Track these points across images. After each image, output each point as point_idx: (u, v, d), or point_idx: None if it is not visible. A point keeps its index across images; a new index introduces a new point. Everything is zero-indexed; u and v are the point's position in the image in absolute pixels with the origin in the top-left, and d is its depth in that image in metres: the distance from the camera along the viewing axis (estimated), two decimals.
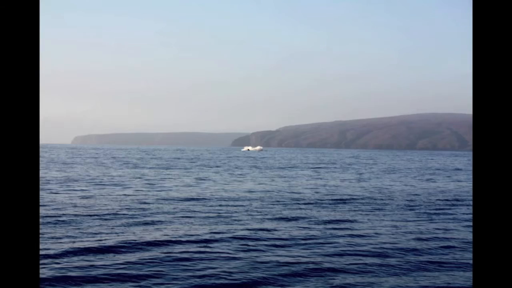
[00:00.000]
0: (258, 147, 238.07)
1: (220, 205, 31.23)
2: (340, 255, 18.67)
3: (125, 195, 35.96)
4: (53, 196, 34.16)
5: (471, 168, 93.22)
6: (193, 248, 19.11)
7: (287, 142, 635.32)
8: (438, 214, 29.44)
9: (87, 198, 33.57)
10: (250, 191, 40.69)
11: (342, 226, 24.63)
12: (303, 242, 20.73)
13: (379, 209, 30.85)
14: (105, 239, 20.14)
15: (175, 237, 20.88)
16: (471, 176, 66.65)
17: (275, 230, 23.07)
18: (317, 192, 40.92)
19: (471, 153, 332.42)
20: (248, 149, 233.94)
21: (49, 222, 23.39)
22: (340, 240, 21.11)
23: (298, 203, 33.07)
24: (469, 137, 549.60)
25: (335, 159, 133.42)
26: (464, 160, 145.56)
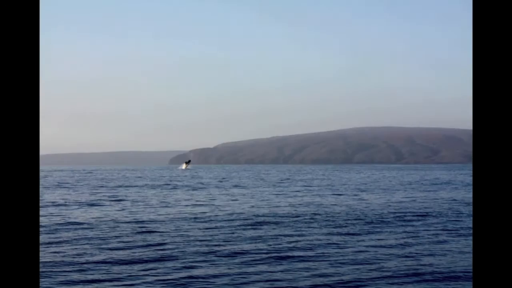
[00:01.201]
0: (184, 165, 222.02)
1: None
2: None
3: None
4: None
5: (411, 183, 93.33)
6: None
7: (226, 159, 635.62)
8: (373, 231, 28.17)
9: None
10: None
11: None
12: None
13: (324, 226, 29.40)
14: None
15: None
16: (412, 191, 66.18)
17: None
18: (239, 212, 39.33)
19: (406, 165, 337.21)
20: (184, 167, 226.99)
21: None
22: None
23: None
24: (405, 149, 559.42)
25: (271, 174, 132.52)
26: (401, 174, 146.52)
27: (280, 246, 23.95)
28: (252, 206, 44.19)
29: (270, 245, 24.24)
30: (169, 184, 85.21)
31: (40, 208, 40.89)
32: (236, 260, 20.86)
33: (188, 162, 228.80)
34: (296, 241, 25.20)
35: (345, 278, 17.96)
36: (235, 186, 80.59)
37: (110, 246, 24.11)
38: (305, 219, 34.36)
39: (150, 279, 17.96)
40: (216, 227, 30.38)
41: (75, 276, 18.31)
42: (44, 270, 19.06)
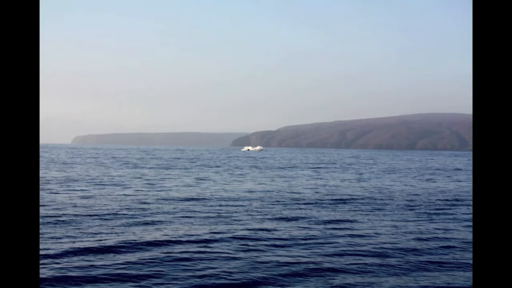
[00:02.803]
0: (258, 147, 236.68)
1: (220, 205, 31.21)
2: (340, 255, 18.65)
3: (125, 195, 35.95)
4: (53, 196, 34.13)
5: (471, 168, 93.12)
6: (193, 248, 19.12)
7: (287, 142, 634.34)
8: (438, 214, 29.41)
9: (87, 198, 33.53)
10: (250, 191, 40.66)
11: (342, 226, 24.63)
12: (303, 242, 20.72)
13: (379, 209, 30.82)
14: (105, 239, 20.12)
15: (175, 237, 20.90)
16: (471, 176, 66.57)
17: (275, 230, 23.07)
18: (317, 192, 40.90)
19: (471, 153, 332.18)
20: (248, 149, 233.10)
21: (49, 222, 23.38)
22: (340, 240, 21.11)
23: (298, 203, 33.04)
24: (469, 137, 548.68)
25: (335, 159, 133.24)
26: (464, 160, 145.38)
27: (318, 227, 25.42)
28: (319, 187, 45.67)
29: (305, 225, 25.75)
30: (236, 166, 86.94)
31: (112, 182, 43.06)
32: (284, 240, 22.41)
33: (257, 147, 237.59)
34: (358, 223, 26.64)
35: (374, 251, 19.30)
36: (303, 168, 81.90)
37: (156, 222, 26.01)
38: (372, 202, 35.71)
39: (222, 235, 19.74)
40: (279, 207, 32.05)
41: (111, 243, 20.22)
42: (106, 217, 21.08)
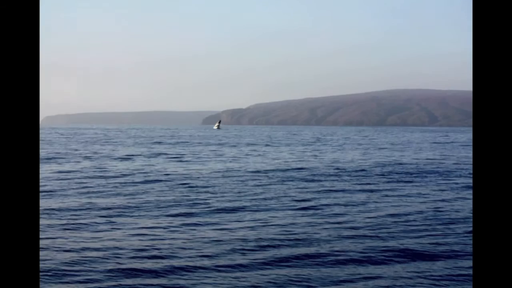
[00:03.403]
0: (216, 125, 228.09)
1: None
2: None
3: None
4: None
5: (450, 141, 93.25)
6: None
7: (258, 119, 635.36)
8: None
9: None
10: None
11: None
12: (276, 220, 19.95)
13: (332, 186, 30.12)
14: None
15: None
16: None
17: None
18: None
19: (441, 128, 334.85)
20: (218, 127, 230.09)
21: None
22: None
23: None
24: (438, 112, 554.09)
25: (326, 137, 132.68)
26: (438, 136, 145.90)
27: (306, 202, 24.65)
28: (283, 162, 44.94)
29: (296, 200, 25.00)
30: (201, 142, 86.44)
31: (77, 162, 42.00)
32: (262, 215, 21.58)
33: (219, 123, 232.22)
34: (321, 197, 25.94)
35: (366, 232, 18.59)
36: (267, 145, 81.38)
37: (140, 199, 25.10)
38: (331, 174, 35.07)
39: (173, 227, 18.89)
40: (243, 181, 31.23)
41: (102, 224, 19.31)
42: (78, 215, 20.14)
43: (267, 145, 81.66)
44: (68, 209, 21.82)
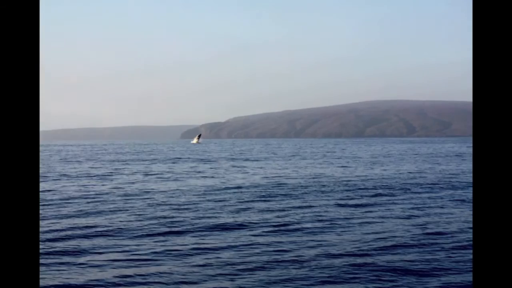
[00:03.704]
0: (195, 139, 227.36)
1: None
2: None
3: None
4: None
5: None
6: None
7: (237, 133, 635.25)
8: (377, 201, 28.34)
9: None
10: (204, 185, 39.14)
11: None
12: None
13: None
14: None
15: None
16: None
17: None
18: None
19: (419, 139, 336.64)
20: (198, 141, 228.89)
21: None
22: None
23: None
24: (416, 123, 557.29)
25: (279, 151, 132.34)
26: (414, 146, 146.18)
27: (288, 218, 24.15)
28: (262, 178, 44.41)
29: (278, 216, 24.49)
30: (180, 158, 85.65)
31: (53, 181, 41.19)
32: (244, 232, 21.10)
33: (199, 136, 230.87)
34: (304, 213, 25.43)
35: (351, 249, 18.16)
36: (246, 159, 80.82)
37: (120, 218, 24.43)
38: (313, 190, 34.60)
39: (158, 249, 18.26)
40: (225, 200, 30.66)
41: (84, 245, 18.63)
42: (54, 237, 19.43)
43: (246, 159, 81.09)
44: (48, 231, 21.10)
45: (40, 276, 15.11)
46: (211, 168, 61.09)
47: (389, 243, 18.83)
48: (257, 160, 77.42)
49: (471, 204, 26.99)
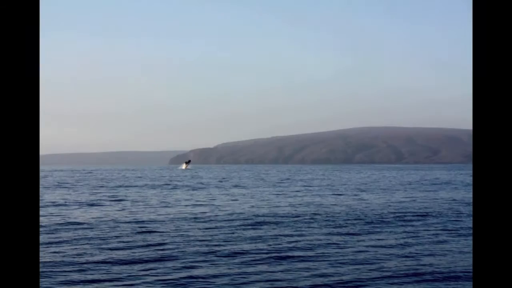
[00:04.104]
0: (183, 165, 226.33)
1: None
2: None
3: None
4: None
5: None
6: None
7: (226, 159, 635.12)
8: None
9: None
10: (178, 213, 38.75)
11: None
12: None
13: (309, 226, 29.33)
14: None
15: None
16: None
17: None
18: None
19: (406, 166, 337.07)
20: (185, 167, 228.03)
21: None
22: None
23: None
24: (405, 149, 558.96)
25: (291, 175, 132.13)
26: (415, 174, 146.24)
27: (280, 246, 23.89)
28: (252, 206, 44.11)
29: (270, 245, 24.20)
30: (169, 184, 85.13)
31: (40, 208, 40.61)
32: (236, 260, 20.81)
33: (188, 162, 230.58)
34: (296, 241, 25.16)
35: (345, 278, 17.92)
36: (235, 186, 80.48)
37: (110, 246, 24.06)
38: (305, 219, 34.32)
39: (150, 279, 17.92)
40: (216, 227, 30.33)
41: (75, 276, 18.27)
42: (44, 270, 19.01)
43: (235, 186, 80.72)
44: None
45: None
46: (200, 194, 60.74)
47: (384, 273, 18.59)
48: (245, 187, 77.08)
49: (465, 234, 26.97)
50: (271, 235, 27.05)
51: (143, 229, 29.47)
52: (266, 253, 22.10)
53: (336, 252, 22.44)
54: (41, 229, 29.47)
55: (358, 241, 25.45)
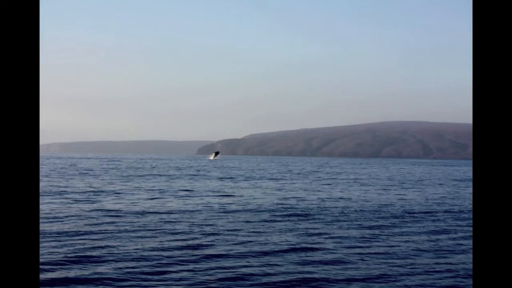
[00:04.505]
0: (212, 155, 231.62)
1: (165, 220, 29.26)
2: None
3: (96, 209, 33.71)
4: None
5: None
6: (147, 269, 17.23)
7: (253, 150, 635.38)
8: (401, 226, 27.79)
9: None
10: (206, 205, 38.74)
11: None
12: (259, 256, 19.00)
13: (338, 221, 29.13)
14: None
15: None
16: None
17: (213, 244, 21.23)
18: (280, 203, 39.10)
19: (434, 161, 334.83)
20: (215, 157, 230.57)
21: None
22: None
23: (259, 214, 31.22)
24: (433, 145, 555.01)
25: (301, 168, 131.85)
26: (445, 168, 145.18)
27: (310, 238, 23.70)
28: (281, 198, 43.95)
29: (299, 237, 24.02)
30: (197, 174, 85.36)
31: (68, 195, 40.89)
32: (266, 251, 20.68)
33: (217, 153, 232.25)
34: (326, 234, 24.96)
35: (374, 272, 17.73)
36: (264, 178, 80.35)
37: (139, 234, 24.06)
38: (334, 212, 34.08)
39: (177, 268, 17.88)
40: (244, 219, 30.22)
41: (105, 267, 18.25)
42: (73, 255, 19.06)
43: (271, 179, 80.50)
44: (64, 257, 20.75)
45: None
46: (228, 185, 60.75)
47: (416, 270, 18.37)
48: (274, 179, 76.93)
49: None
50: (301, 228, 26.86)
51: (171, 219, 29.45)
52: (295, 245, 21.93)
53: (367, 246, 22.21)
54: (69, 217, 29.54)
55: (388, 235, 25.17)
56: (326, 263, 19.08)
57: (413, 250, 21.76)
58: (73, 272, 17.07)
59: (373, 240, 23.85)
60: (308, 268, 18.19)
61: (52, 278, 16.19)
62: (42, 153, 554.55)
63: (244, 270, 17.80)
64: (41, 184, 55.07)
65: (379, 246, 22.45)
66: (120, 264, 18.21)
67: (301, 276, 17.08)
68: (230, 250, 21.01)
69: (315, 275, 17.25)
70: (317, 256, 20.28)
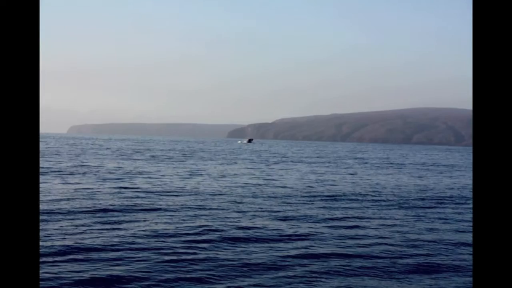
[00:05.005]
0: (246, 139, 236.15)
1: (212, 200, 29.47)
2: (327, 255, 17.38)
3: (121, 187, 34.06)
4: (48, 187, 32.16)
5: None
6: (181, 249, 17.45)
7: (283, 134, 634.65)
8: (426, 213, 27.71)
9: (82, 190, 31.63)
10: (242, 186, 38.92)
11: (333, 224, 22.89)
12: (291, 240, 19.51)
13: (369, 207, 29.12)
14: (95, 237, 18.42)
15: (168, 233, 19.82)
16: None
17: (265, 228, 21.36)
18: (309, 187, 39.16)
19: (466, 148, 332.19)
20: (241, 142, 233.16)
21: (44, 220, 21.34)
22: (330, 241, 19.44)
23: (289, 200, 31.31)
24: (465, 131, 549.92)
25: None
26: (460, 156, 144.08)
27: (351, 223, 23.67)
28: (314, 182, 44.04)
29: (340, 221, 24.08)
30: (229, 158, 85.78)
31: (100, 176, 41.28)
32: (306, 235, 20.75)
33: (250, 140, 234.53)
34: (365, 218, 24.98)
35: (415, 260, 17.73)
36: (297, 161, 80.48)
37: (177, 215, 24.27)
38: (369, 197, 34.10)
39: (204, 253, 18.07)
40: (277, 202, 30.33)
41: (139, 245, 18.47)
42: (110, 237, 19.33)
43: (312, 162, 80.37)
44: (89, 243, 21.03)
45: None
46: (260, 169, 60.94)
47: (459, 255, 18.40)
48: (307, 164, 76.98)
49: None
50: (339, 213, 26.89)
51: (206, 200, 29.69)
52: (336, 230, 22.00)
53: (409, 230, 22.18)
54: (101, 196, 29.78)
55: (426, 221, 25.13)
56: (369, 245, 19.14)
57: (456, 233, 21.72)
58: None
59: (412, 224, 23.85)
60: (351, 250, 18.25)
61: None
62: (73, 134, 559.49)
63: (288, 253, 17.93)
64: (74, 163, 55.74)
65: (420, 229, 22.44)
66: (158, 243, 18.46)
67: (344, 261, 17.10)
68: (271, 234, 21.16)
69: (360, 260, 17.31)
70: (359, 239, 20.35)
